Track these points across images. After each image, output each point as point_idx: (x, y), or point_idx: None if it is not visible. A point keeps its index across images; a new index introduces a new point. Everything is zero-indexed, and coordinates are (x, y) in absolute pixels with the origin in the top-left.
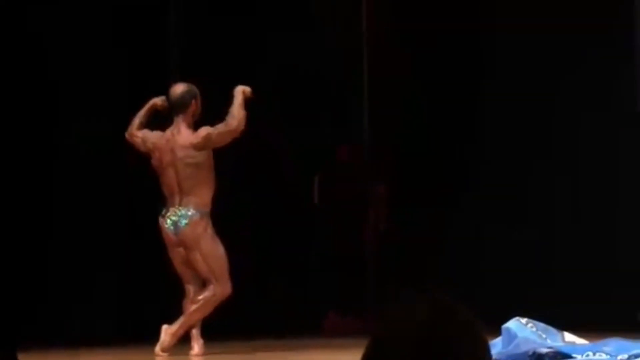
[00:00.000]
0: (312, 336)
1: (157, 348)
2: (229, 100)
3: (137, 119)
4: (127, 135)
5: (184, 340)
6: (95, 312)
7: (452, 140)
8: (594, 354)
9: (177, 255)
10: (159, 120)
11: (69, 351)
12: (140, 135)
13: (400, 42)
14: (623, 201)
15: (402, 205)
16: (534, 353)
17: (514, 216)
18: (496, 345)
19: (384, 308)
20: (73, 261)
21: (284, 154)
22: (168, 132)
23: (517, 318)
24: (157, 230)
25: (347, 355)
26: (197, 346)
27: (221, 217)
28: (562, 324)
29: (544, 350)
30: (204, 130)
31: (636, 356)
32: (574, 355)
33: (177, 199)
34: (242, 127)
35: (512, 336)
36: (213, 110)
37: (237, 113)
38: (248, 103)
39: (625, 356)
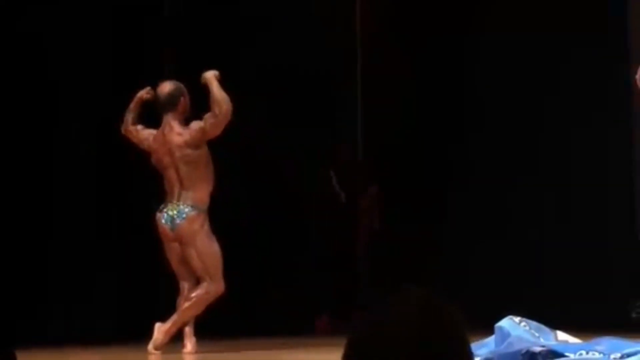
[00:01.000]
0: (306, 335)
1: (150, 346)
2: (204, 90)
3: (129, 115)
4: (122, 131)
5: (176, 338)
6: (93, 312)
7: (445, 140)
8: (587, 353)
9: (172, 251)
10: (150, 116)
11: (65, 350)
12: (134, 131)
13: (395, 44)
14: (613, 200)
15: (395, 205)
16: (527, 352)
17: (506, 216)
18: (489, 344)
19: (371, 306)
20: (71, 260)
21: (283, 156)
22: (160, 132)
23: (510, 317)
24: (154, 229)
25: (340, 354)
26: (189, 344)
27: (217, 214)
28: (555, 323)
29: (537, 349)
30: (196, 125)
31: (629, 355)
32: (566, 354)
33: (175, 195)
34: (230, 109)
35: (505, 335)
36: (206, 106)
37: (220, 98)
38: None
39: (618, 355)
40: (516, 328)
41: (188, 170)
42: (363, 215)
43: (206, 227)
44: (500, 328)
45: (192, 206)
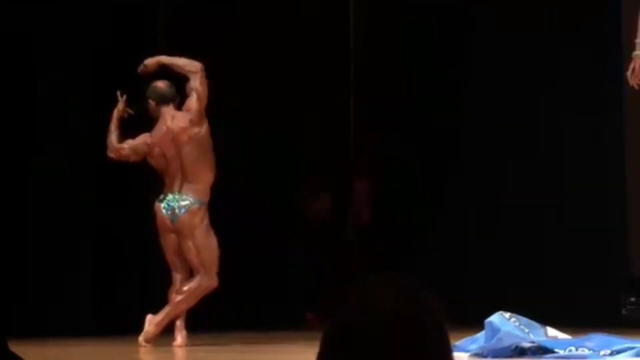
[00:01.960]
0: (297, 329)
1: (141, 338)
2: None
3: (113, 135)
4: (112, 154)
5: (167, 332)
6: (77, 305)
7: (438, 135)
8: (577, 349)
9: (168, 242)
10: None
11: (52, 342)
12: (126, 146)
13: (390, 41)
14: (607, 198)
15: (386, 199)
16: (517, 347)
17: (498, 213)
18: (479, 340)
19: (348, 292)
20: (53, 253)
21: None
22: (161, 124)
23: (500, 312)
24: (138, 223)
25: None
26: (180, 337)
27: (214, 209)
28: (546, 319)
29: (527, 344)
30: (189, 101)
31: (619, 351)
32: (556, 350)
33: (177, 185)
34: (199, 63)
35: (495, 330)
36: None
37: (186, 61)
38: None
39: (608, 352)
40: (506, 324)
41: (192, 158)
42: (352, 208)
43: (206, 220)
44: (491, 323)
45: (193, 198)
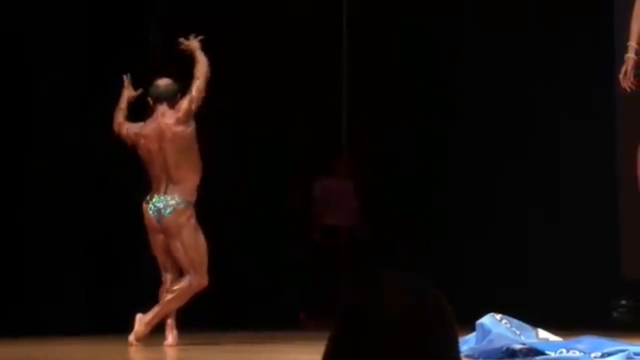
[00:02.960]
0: (290, 329)
1: (131, 337)
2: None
3: (120, 112)
4: (115, 127)
5: (158, 331)
6: (67, 303)
7: (429, 136)
8: (568, 351)
9: (157, 242)
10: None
11: (43, 341)
12: (125, 127)
13: (383, 37)
14: (596, 200)
15: (374, 202)
16: (508, 349)
17: (488, 214)
18: (469, 341)
19: (357, 292)
20: (46, 252)
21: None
22: (152, 119)
23: (491, 314)
24: (129, 221)
25: (322, 348)
26: (171, 336)
27: (201, 207)
28: (536, 321)
29: (518, 346)
30: (182, 100)
31: (610, 354)
32: (547, 352)
33: (163, 186)
34: (208, 71)
35: (486, 332)
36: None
37: (201, 60)
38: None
39: (599, 354)
40: (497, 325)
41: (177, 158)
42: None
43: (193, 220)
44: (482, 325)
45: (179, 198)
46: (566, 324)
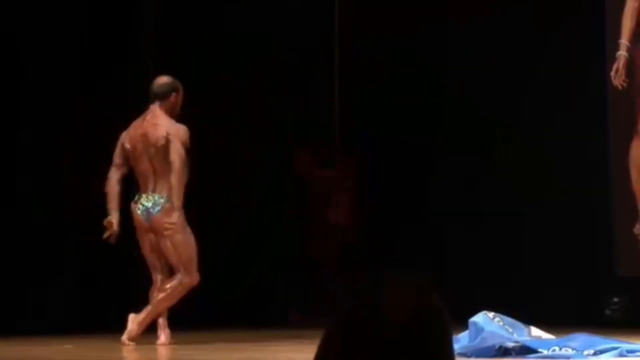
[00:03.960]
0: (279, 328)
1: (124, 337)
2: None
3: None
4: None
5: (150, 330)
6: (60, 303)
7: (419, 134)
8: (560, 349)
9: (146, 242)
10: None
11: (35, 341)
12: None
13: (373, 32)
14: (589, 198)
15: (367, 200)
16: (501, 347)
17: (481, 210)
18: (462, 339)
19: (356, 291)
20: (37, 251)
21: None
22: (140, 119)
23: (484, 312)
24: (121, 221)
25: (313, 347)
26: (163, 336)
27: (190, 206)
28: (529, 319)
29: (511, 344)
30: (174, 138)
31: (602, 351)
32: (540, 349)
33: (150, 186)
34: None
35: (478, 330)
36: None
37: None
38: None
39: (592, 351)
40: (490, 323)
41: (161, 161)
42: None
43: (181, 218)
44: (474, 323)
45: (167, 197)
46: (559, 321)
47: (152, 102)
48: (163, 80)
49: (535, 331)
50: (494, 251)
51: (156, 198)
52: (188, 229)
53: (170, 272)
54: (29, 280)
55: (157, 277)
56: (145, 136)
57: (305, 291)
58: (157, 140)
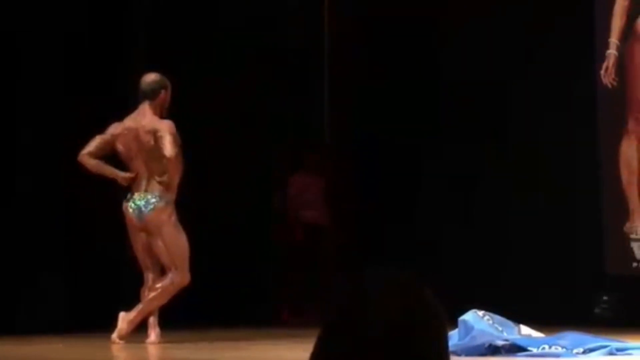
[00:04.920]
0: (270, 326)
1: (114, 335)
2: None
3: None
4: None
5: (140, 328)
6: (50, 301)
7: (411, 133)
8: (550, 347)
9: (138, 241)
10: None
11: (22, 339)
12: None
13: (361, 34)
14: (579, 195)
15: (358, 199)
16: (490, 345)
17: (471, 210)
18: (452, 338)
19: (349, 289)
20: (26, 250)
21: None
22: (132, 118)
23: (474, 310)
24: (112, 218)
25: (302, 345)
26: (153, 334)
27: (181, 205)
28: (519, 317)
29: (500, 342)
30: (165, 134)
31: (592, 350)
32: (529, 348)
33: (143, 184)
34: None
35: (468, 328)
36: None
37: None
38: None
39: (581, 350)
40: (480, 322)
41: (154, 159)
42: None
43: (174, 217)
44: (464, 321)
45: (159, 196)
46: (548, 320)
47: (141, 100)
48: (151, 77)
49: (525, 329)
50: (484, 250)
51: (148, 197)
52: (181, 228)
53: (162, 271)
54: (19, 280)
55: (149, 276)
56: (137, 136)
57: (296, 290)
58: (148, 141)
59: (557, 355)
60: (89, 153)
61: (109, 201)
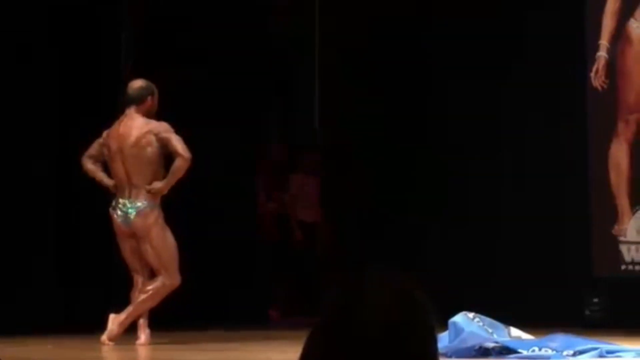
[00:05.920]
0: (260, 327)
1: (104, 337)
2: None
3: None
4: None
5: (130, 330)
6: (39, 303)
7: (399, 137)
8: (540, 349)
9: (126, 246)
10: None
11: (14, 341)
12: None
13: (352, 35)
14: (568, 200)
15: (346, 201)
16: (480, 347)
17: (461, 211)
18: (442, 340)
19: (339, 290)
20: (15, 250)
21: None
22: (117, 123)
23: (464, 312)
24: (99, 218)
25: (292, 347)
26: (143, 336)
27: (169, 207)
28: (509, 319)
29: (490, 344)
30: (167, 134)
31: (582, 352)
32: (520, 350)
33: (127, 191)
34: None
35: (458, 330)
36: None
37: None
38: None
39: (571, 352)
40: (470, 324)
41: (136, 165)
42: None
43: (160, 220)
44: (454, 323)
45: (144, 201)
46: (538, 322)
47: (128, 106)
48: (138, 84)
49: (515, 332)
50: (473, 252)
51: (134, 202)
52: (168, 231)
53: (151, 274)
54: (9, 281)
55: (138, 279)
56: (121, 141)
57: (285, 291)
58: (132, 143)
59: (547, 358)
60: (89, 156)
61: (100, 203)
